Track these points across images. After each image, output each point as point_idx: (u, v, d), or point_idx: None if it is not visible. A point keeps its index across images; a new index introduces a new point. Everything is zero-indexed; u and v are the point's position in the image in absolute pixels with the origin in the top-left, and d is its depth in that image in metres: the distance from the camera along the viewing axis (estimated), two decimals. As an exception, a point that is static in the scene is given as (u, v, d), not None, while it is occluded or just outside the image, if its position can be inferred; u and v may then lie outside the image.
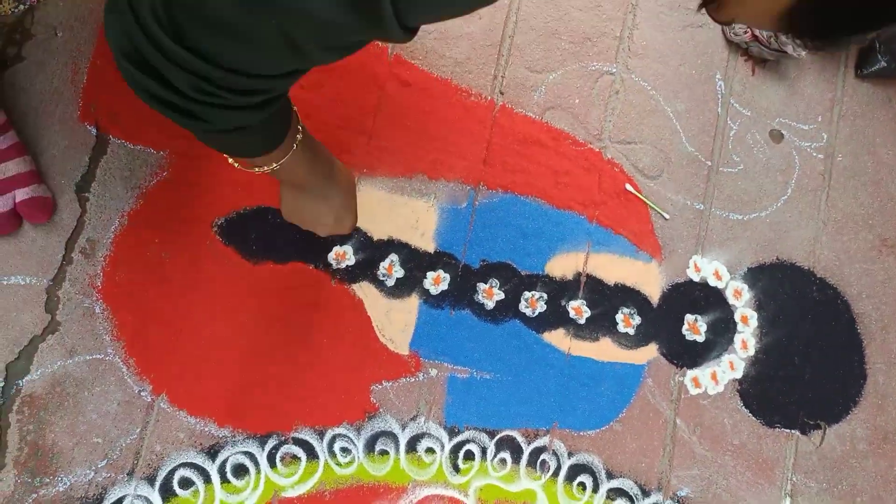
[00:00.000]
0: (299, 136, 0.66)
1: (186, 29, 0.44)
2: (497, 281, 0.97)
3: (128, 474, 0.83)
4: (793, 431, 1.01)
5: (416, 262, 0.96)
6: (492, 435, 0.93)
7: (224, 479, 0.85)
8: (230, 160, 0.68)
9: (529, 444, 0.94)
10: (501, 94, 1.02)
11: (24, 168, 0.84)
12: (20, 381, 0.82)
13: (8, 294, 0.83)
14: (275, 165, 0.66)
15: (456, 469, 0.91)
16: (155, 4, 0.44)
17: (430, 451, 0.91)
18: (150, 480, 0.84)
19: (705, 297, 1.03)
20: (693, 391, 0.99)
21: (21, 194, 0.83)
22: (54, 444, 0.82)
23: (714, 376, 1.00)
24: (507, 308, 0.97)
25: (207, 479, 0.85)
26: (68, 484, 0.82)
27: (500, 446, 0.93)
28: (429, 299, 0.95)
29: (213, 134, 0.55)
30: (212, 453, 0.86)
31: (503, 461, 0.93)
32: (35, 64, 0.89)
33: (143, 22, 0.44)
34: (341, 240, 0.94)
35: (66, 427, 0.83)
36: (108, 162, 0.90)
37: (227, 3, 0.42)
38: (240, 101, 0.50)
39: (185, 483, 0.84)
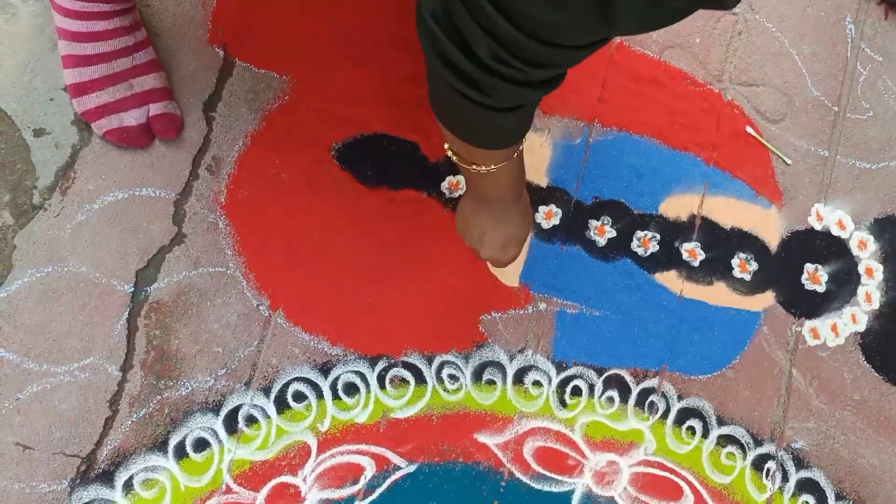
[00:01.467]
0: (522, 145, 0.68)
1: None
2: (609, 218, 0.95)
3: (245, 384, 0.85)
4: (918, 391, 0.96)
5: (529, 196, 0.94)
6: (600, 372, 0.92)
7: (336, 396, 0.87)
8: (448, 152, 0.71)
9: (638, 384, 0.92)
10: (620, 30, 1.00)
11: (159, 84, 0.87)
12: (148, 289, 0.86)
13: (140, 205, 0.87)
14: (492, 167, 0.67)
15: (563, 404, 0.90)
16: None
17: (537, 384, 0.90)
18: (266, 392, 0.86)
19: (827, 247, 0.98)
20: (811, 342, 0.95)
21: (154, 109, 0.86)
22: (178, 350, 0.85)
23: (834, 328, 0.96)
24: (619, 246, 0.95)
25: (320, 394, 0.86)
26: (190, 389, 0.84)
27: (607, 384, 0.91)
28: (540, 233, 0.94)
29: (477, 114, 0.55)
30: (324, 370, 0.87)
31: (611, 399, 0.91)
32: (169, -13, 0.92)
33: None
34: (454, 170, 0.94)
35: (189, 335, 0.86)
36: (234, 84, 0.92)
37: None
38: (531, 74, 0.49)
39: (299, 397, 0.86)
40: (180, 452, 0.82)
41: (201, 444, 0.83)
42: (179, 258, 0.87)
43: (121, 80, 0.84)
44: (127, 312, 0.84)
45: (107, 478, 0.80)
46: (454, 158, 0.71)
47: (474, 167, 0.68)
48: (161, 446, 0.82)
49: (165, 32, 0.91)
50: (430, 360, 0.89)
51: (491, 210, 0.77)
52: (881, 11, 1.05)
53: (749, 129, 1.00)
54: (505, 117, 0.56)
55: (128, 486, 0.81)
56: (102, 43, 0.82)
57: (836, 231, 0.99)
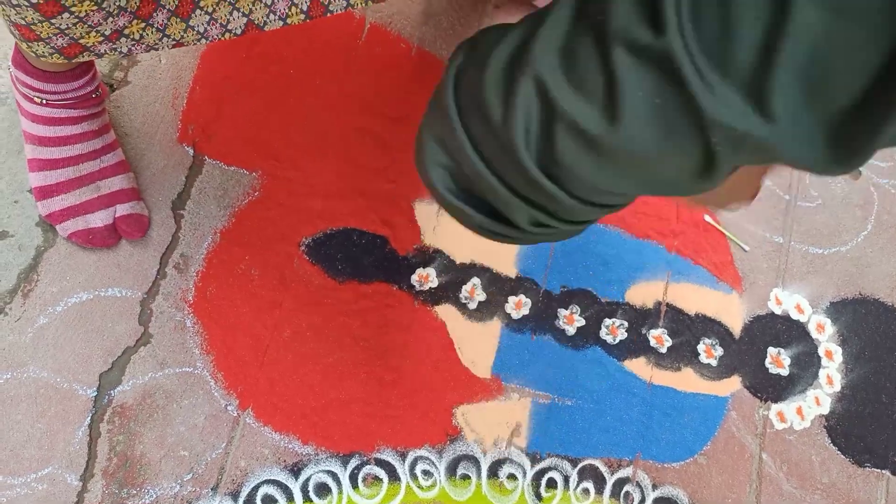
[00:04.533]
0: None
1: (562, 149, 0.36)
2: (577, 307, 0.97)
3: (212, 489, 0.83)
4: (884, 472, 0.97)
5: (498, 287, 0.96)
6: (574, 463, 0.91)
7: (307, 498, 0.84)
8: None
9: (612, 474, 0.91)
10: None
11: (126, 185, 0.87)
12: (112, 392, 0.83)
13: (105, 305, 0.85)
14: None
15: (538, 497, 0.89)
16: (530, 122, 0.37)
17: (512, 477, 0.89)
18: (234, 496, 0.83)
19: (788, 331, 1.01)
20: (778, 426, 0.97)
21: (121, 210, 0.86)
22: (143, 455, 0.82)
23: (800, 411, 0.97)
24: (588, 334, 0.96)
25: (290, 497, 0.84)
26: (154, 496, 0.81)
27: (582, 475, 0.91)
28: (510, 323, 0.95)
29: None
30: (295, 471, 0.85)
31: (586, 491, 0.90)
32: (139, 88, 0.93)
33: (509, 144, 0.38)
34: (424, 262, 0.95)
35: (154, 439, 0.83)
36: (203, 181, 0.92)
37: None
38: (570, 229, 0.45)
39: (268, 500, 0.83)
40: (143, 567, 0.79)
41: (165, 557, 0.79)
42: (145, 359, 0.85)
43: (87, 183, 0.84)
44: (89, 418, 0.82)
45: None
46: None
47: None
48: (122, 561, 0.78)
49: (135, 133, 0.91)
50: (403, 456, 0.88)
51: None
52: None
53: (707, 217, 1.03)
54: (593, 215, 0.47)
55: None
56: (69, 147, 0.82)
57: (795, 315, 1.02)
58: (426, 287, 0.94)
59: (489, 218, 0.44)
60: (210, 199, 0.92)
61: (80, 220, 0.83)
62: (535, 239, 0.47)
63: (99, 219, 0.84)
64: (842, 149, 0.32)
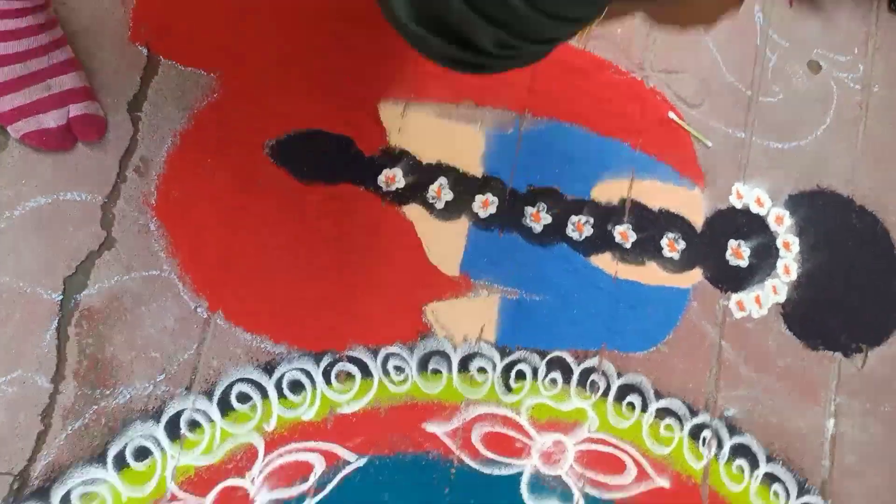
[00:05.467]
0: None
1: None
2: (544, 205, 0.98)
3: (186, 388, 0.83)
4: (835, 354, 1.02)
5: (465, 186, 0.96)
6: (542, 355, 0.94)
7: (281, 395, 0.86)
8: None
9: (579, 364, 0.94)
10: (545, 22, 1.02)
11: (78, 83, 0.83)
12: (78, 296, 0.82)
13: (65, 210, 0.83)
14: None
15: (508, 388, 0.92)
16: None
17: (482, 370, 0.92)
18: (209, 395, 0.84)
19: (748, 223, 1.04)
20: (737, 314, 1.00)
21: (75, 110, 0.83)
22: (113, 357, 0.82)
23: (758, 300, 1.01)
24: (555, 232, 0.97)
25: (265, 394, 0.85)
26: (128, 396, 0.82)
27: (550, 366, 0.94)
28: (478, 222, 0.96)
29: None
30: (268, 369, 0.86)
31: (554, 381, 0.93)
32: (85, -16, 0.89)
33: None
34: (390, 163, 0.94)
35: (124, 341, 0.83)
36: (160, 82, 0.90)
37: None
38: (537, 49, 0.46)
39: (243, 398, 0.84)
40: (120, 463, 0.80)
41: (142, 453, 0.80)
42: (110, 263, 0.84)
43: (37, 81, 0.80)
44: (56, 321, 0.81)
45: (42, 494, 0.77)
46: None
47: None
48: (99, 458, 0.79)
49: (83, 31, 0.87)
50: (375, 354, 0.89)
51: None
52: (786, 0, 1.12)
53: (671, 115, 1.04)
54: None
55: (65, 501, 0.77)
56: (15, 42, 0.78)
57: (755, 208, 1.04)
58: (393, 188, 0.94)
59: (456, 46, 0.45)
60: (168, 101, 0.89)
61: (33, 121, 0.80)
62: (503, 65, 0.47)
63: (52, 119, 0.81)
64: None
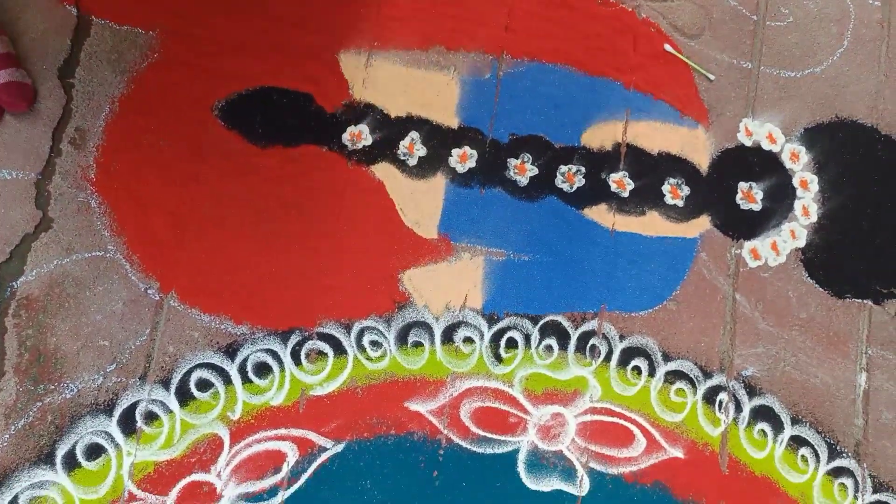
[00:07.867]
0: None
1: None
2: (529, 155, 0.88)
3: (140, 378, 0.76)
4: (865, 301, 0.91)
5: (440, 139, 0.87)
6: (535, 321, 0.85)
7: (246, 379, 0.78)
8: None
9: (577, 328, 0.85)
10: (520, -48, 0.92)
11: (2, 49, 0.76)
12: (14, 283, 0.75)
13: (-7, 189, 0.76)
14: None
15: (498, 359, 0.83)
16: None
17: (468, 340, 0.83)
18: (165, 384, 0.76)
19: (759, 163, 0.93)
20: (752, 263, 0.90)
21: (-1, 79, 0.75)
22: (57, 348, 0.75)
23: (774, 246, 0.91)
24: (543, 184, 0.88)
25: (227, 379, 0.77)
26: (75, 390, 0.74)
27: (544, 332, 0.85)
28: (455, 178, 0.86)
29: None
30: (230, 352, 0.78)
31: (549, 348, 0.84)
32: (3, -60, 0.80)
33: None
34: (355, 119, 0.85)
35: (68, 330, 0.75)
36: (93, 44, 0.81)
37: None
38: None
39: (204, 385, 0.77)
40: (70, 462, 0.72)
41: (95, 451, 0.73)
42: (48, 245, 0.76)
43: (-50, 47, 0.72)
44: (-9, 313, 0.74)
45: (-15, 502, 0.70)
46: None
47: None
48: (47, 458, 0.72)
49: (3, -9, 0.79)
50: (348, 328, 0.81)
51: None
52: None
53: (668, 47, 0.93)
54: None
55: (12, 508, 0.71)
56: (-80, 4, 0.70)
57: (766, 145, 0.93)
58: (359, 145, 0.85)
59: None
60: (103, 64, 0.81)
61: (-52, 92, 0.73)
62: None
63: (-30, 89, 0.73)
64: None
